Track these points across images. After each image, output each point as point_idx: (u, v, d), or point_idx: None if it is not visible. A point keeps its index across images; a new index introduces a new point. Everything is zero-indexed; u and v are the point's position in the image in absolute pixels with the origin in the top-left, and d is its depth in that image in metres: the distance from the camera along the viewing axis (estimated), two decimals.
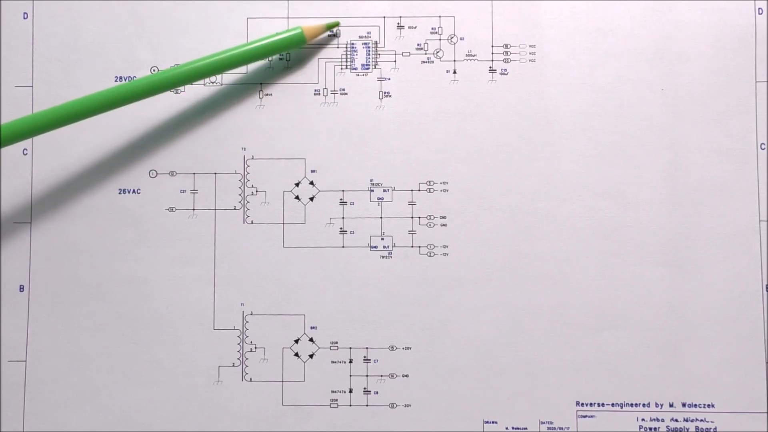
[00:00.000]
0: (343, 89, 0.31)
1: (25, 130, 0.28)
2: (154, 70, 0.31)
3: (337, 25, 0.31)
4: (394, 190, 0.30)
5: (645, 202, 0.30)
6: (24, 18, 0.31)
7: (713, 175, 0.30)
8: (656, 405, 0.29)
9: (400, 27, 0.31)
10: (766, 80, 0.30)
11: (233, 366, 0.30)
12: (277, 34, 0.30)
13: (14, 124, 0.27)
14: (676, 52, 0.30)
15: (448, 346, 0.30)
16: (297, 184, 0.31)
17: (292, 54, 0.31)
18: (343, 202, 0.30)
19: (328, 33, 0.31)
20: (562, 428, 0.30)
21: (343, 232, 0.30)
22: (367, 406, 0.30)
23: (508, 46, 0.31)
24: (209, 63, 0.29)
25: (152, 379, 0.30)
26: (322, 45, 0.31)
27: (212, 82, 0.31)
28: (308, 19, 0.31)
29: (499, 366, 0.30)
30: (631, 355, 0.30)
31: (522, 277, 0.30)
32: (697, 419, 0.29)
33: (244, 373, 0.30)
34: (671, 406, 0.29)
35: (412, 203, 0.30)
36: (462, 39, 0.31)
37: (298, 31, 0.30)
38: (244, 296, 0.30)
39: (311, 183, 0.30)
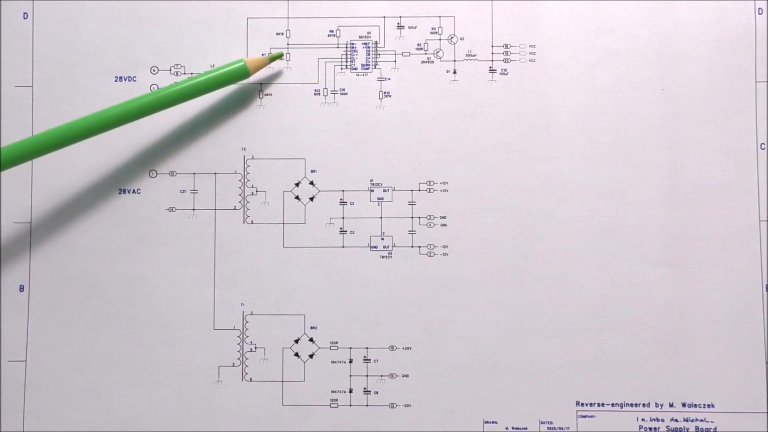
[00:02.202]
0: (343, 89, 0.31)
1: (25, 153, 0.28)
2: (154, 71, 0.31)
3: (280, 56, 0.30)
4: (394, 190, 0.30)
5: (645, 202, 0.30)
6: (24, 18, 0.31)
7: (713, 175, 0.30)
8: (656, 405, 0.29)
9: (400, 27, 0.31)
10: (766, 80, 0.30)
11: (233, 366, 0.30)
12: (221, 67, 0.29)
13: (14, 147, 0.27)
14: (676, 52, 0.30)
15: (448, 346, 0.30)
16: (297, 184, 0.31)
17: (292, 54, 0.31)
18: (343, 202, 0.30)
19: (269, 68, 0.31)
20: (562, 428, 0.30)
21: (343, 232, 0.30)
22: (367, 406, 0.30)
23: (508, 46, 0.31)
24: (152, 98, 0.29)
25: (152, 379, 0.30)
26: (321, 45, 0.31)
27: None
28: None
29: (499, 366, 0.30)
30: (631, 355, 0.30)
31: (522, 277, 0.30)
32: (697, 419, 0.29)
33: (244, 373, 0.30)
34: (671, 406, 0.29)
35: (412, 203, 0.30)
36: (462, 39, 0.31)
37: (242, 63, 0.29)
38: (244, 296, 0.30)
39: (311, 183, 0.30)
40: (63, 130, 0.28)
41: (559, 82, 0.30)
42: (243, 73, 0.30)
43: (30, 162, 0.30)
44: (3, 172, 0.30)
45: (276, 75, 0.31)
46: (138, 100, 0.29)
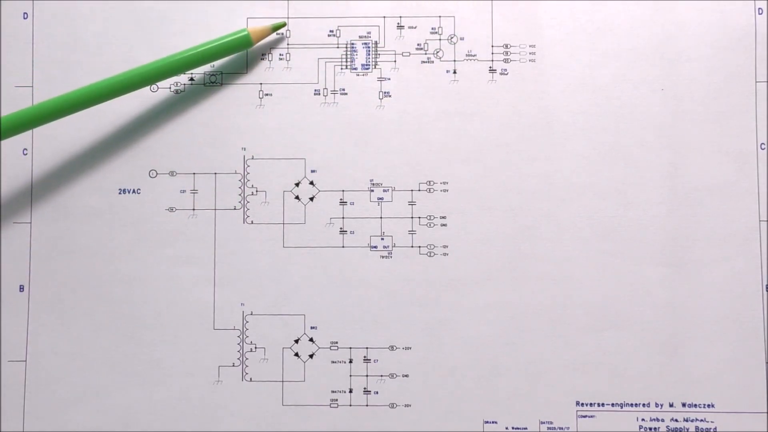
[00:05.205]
0: (343, 89, 0.31)
1: (24, 122, 0.28)
2: None
3: (283, 25, 0.30)
4: (394, 190, 0.30)
5: (645, 202, 0.30)
6: (24, 18, 0.31)
7: (713, 175, 0.30)
8: (656, 405, 0.29)
9: (400, 27, 0.31)
10: (766, 80, 0.30)
11: (233, 366, 0.30)
12: (224, 37, 0.30)
13: (14, 117, 0.28)
14: (676, 52, 0.30)
15: (448, 346, 0.30)
16: (297, 184, 0.31)
17: (291, 54, 0.31)
18: (343, 202, 0.30)
19: (276, 34, 0.31)
20: (562, 428, 0.30)
21: (343, 232, 0.30)
22: (367, 406, 0.30)
23: (508, 46, 0.31)
24: (159, 66, 0.29)
25: (152, 379, 0.30)
26: (321, 45, 0.31)
27: (212, 82, 0.31)
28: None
29: (499, 366, 0.30)
30: (631, 355, 0.30)
31: (522, 277, 0.30)
32: (697, 419, 0.29)
33: (244, 373, 0.30)
34: (671, 406, 0.29)
35: (412, 203, 0.30)
36: (462, 39, 0.31)
37: (245, 33, 0.30)
38: (244, 296, 0.30)
39: (311, 183, 0.30)
40: (62, 99, 0.29)
41: (559, 82, 0.30)
42: (246, 42, 0.30)
43: (30, 162, 0.31)
44: (3, 173, 0.30)
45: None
46: (141, 69, 0.29)
